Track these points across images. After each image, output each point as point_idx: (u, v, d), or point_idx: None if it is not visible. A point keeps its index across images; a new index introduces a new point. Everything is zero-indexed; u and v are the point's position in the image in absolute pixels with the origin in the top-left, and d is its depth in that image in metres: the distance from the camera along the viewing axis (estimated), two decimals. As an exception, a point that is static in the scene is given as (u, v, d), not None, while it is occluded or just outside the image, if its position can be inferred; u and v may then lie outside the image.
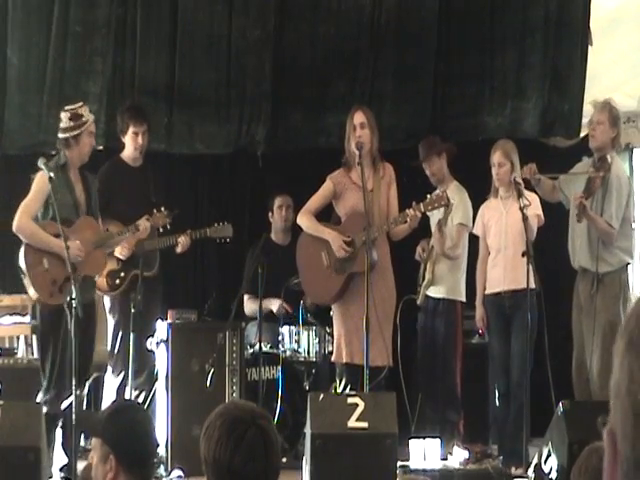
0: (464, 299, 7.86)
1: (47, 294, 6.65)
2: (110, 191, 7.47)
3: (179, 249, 7.52)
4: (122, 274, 7.43)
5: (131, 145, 7.61)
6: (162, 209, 7.36)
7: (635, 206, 7.70)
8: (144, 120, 7.61)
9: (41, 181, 6.69)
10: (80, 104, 7.02)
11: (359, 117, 7.25)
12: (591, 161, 7.43)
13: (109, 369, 7.51)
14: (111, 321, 7.53)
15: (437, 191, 7.23)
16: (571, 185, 7.49)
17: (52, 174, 6.56)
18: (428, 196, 7.01)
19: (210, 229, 7.59)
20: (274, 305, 8.05)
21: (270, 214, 8.52)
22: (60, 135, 6.90)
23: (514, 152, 7.49)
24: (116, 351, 7.44)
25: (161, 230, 7.41)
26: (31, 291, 6.72)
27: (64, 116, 6.89)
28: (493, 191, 7.62)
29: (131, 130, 7.57)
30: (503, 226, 7.49)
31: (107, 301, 7.55)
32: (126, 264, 7.43)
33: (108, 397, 7.41)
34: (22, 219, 6.69)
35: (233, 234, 7.69)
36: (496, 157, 7.47)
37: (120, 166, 7.65)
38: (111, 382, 7.48)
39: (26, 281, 6.71)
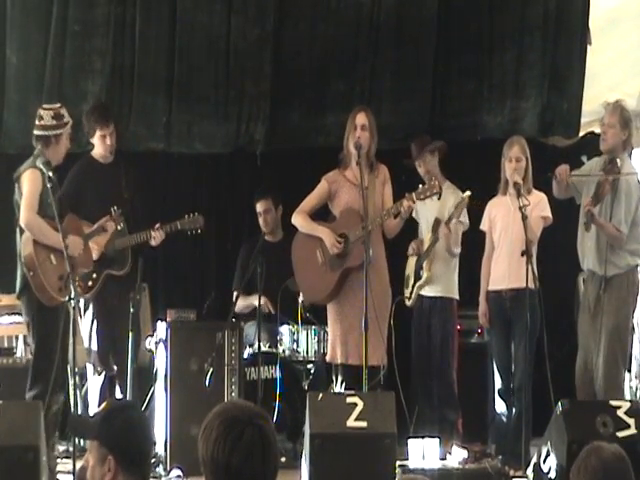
0: (458, 297, 7.87)
1: (57, 290, 6.65)
2: (81, 189, 7.48)
3: (153, 242, 7.49)
4: (94, 276, 7.38)
5: (100, 147, 7.57)
6: (115, 208, 7.34)
7: None
8: (109, 121, 7.56)
9: (32, 178, 6.68)
10: (59, 105, 7.03)
11: (361, 118, 7.24)
12: (602, 163, 7.40)
13: (89, 367, 7.49)
14: (87, 321, 7.47)
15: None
16: (584, 181, 7.43)
17: (51, 174, 6.58)
18: (420, 186, 7.03)
19: (180, 221, 7.56)
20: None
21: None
22: (39, 132, 6.87)
23: (527, 148, 7.50)
24: (94, 350, 7.41)
25: (118, 228, 7.38)
26: (39, 287, 6.66)
27: (46, 114, 6.88)
28: (502, 187, 7.59)
29: (98, 133, 7.53)
30: (510, 223, 7.45)
31: (81, 301, 7.49)
32: (97, 265, 7.38)
33: (93, 396, 7.40)
34: (30, 215, 6.68)
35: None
36: (514, 152, 7.44)
37: (91, 164, 7.62)
38: (94, 381, 7.47)
39: (34, 278, 6.66)
